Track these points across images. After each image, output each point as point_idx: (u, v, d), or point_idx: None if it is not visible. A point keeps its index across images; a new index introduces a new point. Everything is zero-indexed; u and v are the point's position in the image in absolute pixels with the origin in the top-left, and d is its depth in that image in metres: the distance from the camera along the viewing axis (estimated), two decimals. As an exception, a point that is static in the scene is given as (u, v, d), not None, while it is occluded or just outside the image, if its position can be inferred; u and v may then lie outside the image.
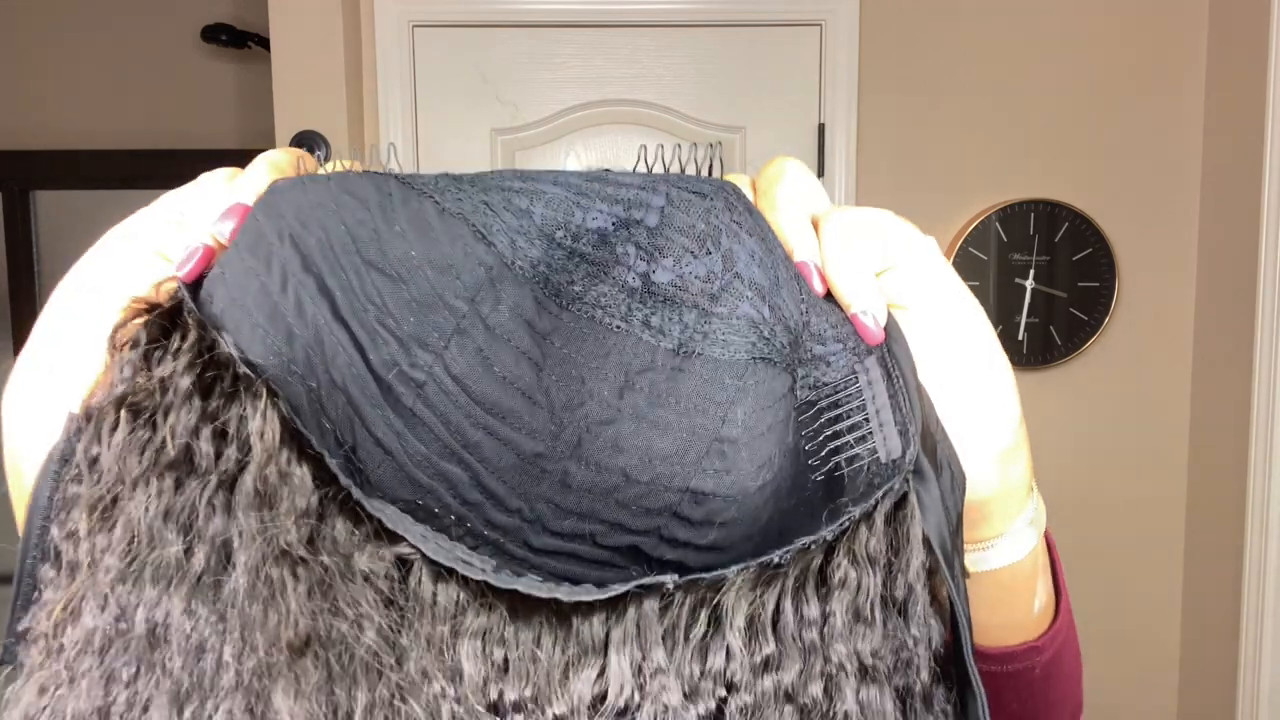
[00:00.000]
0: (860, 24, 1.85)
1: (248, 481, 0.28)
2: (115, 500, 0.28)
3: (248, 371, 0.28)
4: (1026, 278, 1.89)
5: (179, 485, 0.28)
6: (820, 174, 1.88)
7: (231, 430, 0.28)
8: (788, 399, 0.30)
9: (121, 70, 2.32)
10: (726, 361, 0.28)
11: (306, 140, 1.79)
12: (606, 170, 0.30)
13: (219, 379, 0.28)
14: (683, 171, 0.35)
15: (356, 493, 0.28)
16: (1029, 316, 1.89)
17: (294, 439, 0.28)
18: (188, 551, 0.28)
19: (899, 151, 1.89)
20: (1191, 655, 1.96)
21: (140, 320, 0.29)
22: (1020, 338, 1.90)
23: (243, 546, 0.28)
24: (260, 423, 0.28)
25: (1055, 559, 0.42)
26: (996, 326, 1.89)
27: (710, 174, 0.35)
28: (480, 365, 0.27)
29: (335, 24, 1.79)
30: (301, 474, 0.28)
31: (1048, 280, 1.89)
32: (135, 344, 0.29)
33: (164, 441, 0.28)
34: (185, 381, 0.28)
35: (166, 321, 0.29)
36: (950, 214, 1.88)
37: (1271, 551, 1.70)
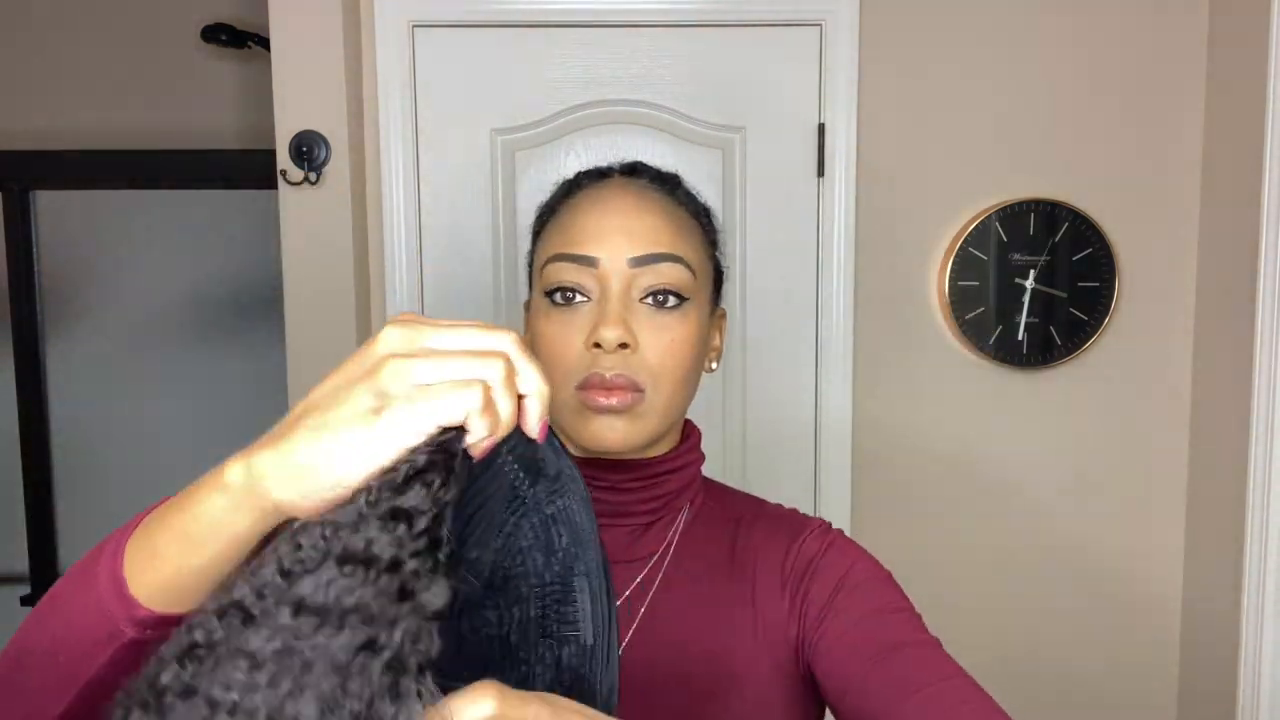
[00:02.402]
0: (860, 24, 1.85)
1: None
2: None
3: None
4: (1026, 278, 1.89)
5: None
6: (820, 174, 1.89)
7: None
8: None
9: (121, 70, 2.32)
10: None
11: (306, 140, 1.79)
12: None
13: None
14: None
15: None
16: (1029, 316, 1.89)
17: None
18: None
19: (899, 151, 1.89)
20: (1191, 655, 1.96)
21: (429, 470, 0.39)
22: (1020, 338, 1.90)
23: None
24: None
25: None
26: (996, 326, 1.90)
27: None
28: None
29: (335, 24, 1.79)
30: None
31: (1048, 280, 1.89)
32: (430, 483, 0.38)
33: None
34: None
35: (443, 471, 0.39)
36: (950, 214, 1.88)
37: (1271, 551, 1.70)
